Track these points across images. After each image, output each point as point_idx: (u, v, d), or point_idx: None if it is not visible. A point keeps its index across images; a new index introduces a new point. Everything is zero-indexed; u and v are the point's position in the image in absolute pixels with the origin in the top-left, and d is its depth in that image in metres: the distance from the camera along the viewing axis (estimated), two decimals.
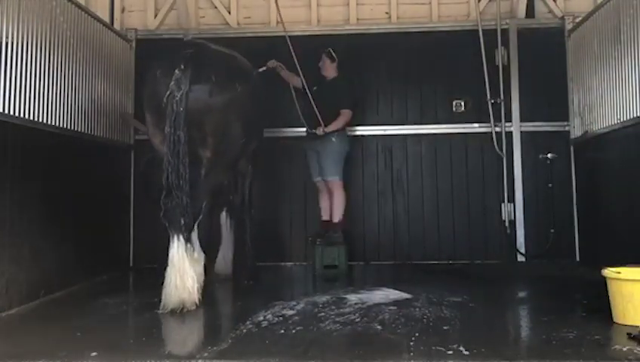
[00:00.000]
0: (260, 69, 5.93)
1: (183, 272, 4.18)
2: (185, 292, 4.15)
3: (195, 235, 4.40)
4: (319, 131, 6.07)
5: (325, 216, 6.37)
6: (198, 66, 4.40)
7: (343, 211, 6.23)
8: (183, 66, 4.31)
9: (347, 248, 6.12)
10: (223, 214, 5.72)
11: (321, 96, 6.14)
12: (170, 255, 4.23)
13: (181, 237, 4.23)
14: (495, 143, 6.70)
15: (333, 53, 6.39)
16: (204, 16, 7.35)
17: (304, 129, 6.30)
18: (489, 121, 6.74)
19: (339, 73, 6.40)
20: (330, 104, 6.16)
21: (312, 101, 6.05)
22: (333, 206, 6.24)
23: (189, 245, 4.26)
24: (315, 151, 6.26)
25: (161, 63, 4.52)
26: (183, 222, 4.22)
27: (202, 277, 4.35)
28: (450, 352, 3.08)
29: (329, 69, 6.41)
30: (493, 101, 6.70)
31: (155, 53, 5.10)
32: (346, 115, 6.23)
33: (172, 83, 4.28)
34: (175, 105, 4.26)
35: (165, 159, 4.26)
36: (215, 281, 5.32)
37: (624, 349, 3.11)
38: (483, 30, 6.71)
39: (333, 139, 6.16)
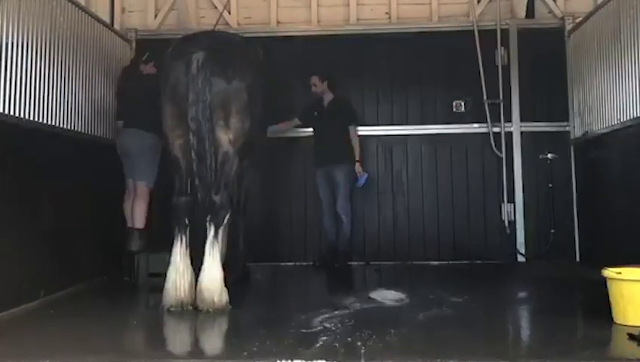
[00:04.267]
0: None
1: (215, 270, 4.11)
2: (215, 292, 4.09)
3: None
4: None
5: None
6: (212, 49, 4.32)
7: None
8: (195, 51, 4.23)
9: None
10: None
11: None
12: (206, 252, 4.12)
13: (218, 232, 4.16)
14: (492, 143, 6.71)
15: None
16: (204, 17, 7.34)
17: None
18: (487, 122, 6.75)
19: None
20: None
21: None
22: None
23: (217, 242, 4.18)
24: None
25: (172, 57, 4.45)
26: (220, 216, 4.17)
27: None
28: (451, 352, 3.08)
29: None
30: (490, 102, 6.71)
31: (155, 54, 5.09)
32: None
33: (193, 67, 4.17)
34: (199, 92, 4.16)
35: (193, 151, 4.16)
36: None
37: (624, 349, 3.11)
38: (483, 30, 6.72)
39: None
